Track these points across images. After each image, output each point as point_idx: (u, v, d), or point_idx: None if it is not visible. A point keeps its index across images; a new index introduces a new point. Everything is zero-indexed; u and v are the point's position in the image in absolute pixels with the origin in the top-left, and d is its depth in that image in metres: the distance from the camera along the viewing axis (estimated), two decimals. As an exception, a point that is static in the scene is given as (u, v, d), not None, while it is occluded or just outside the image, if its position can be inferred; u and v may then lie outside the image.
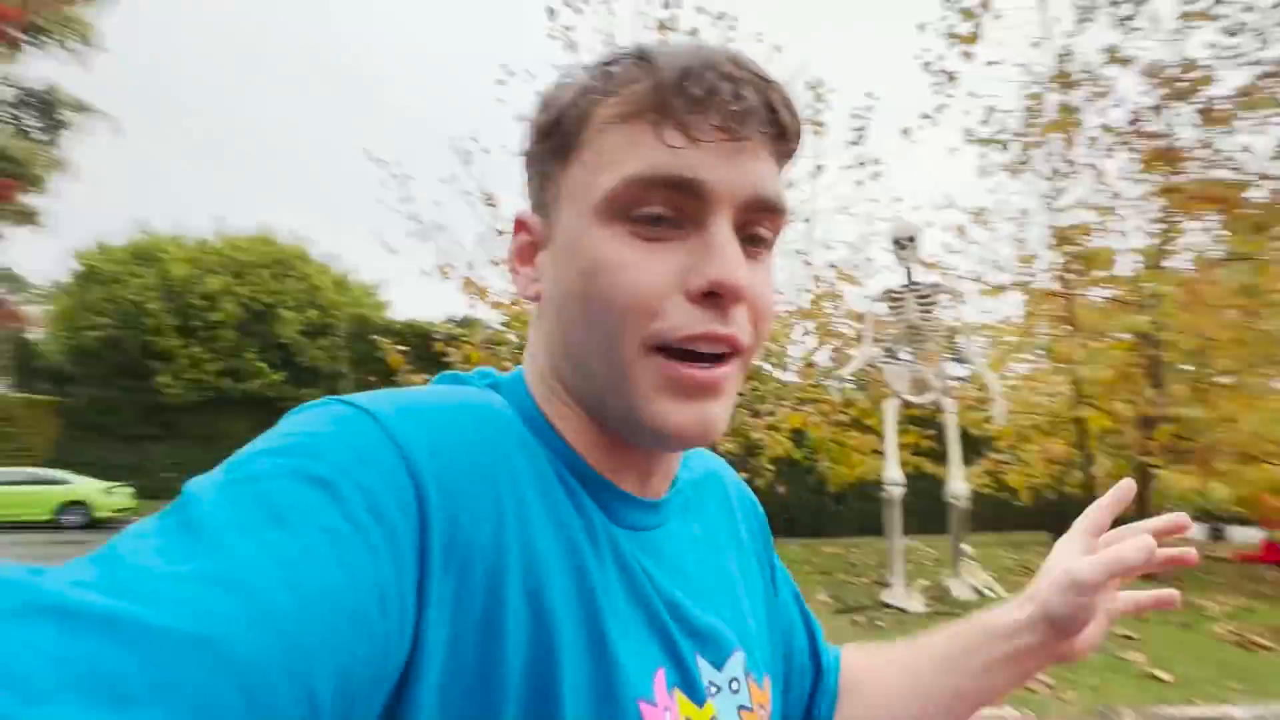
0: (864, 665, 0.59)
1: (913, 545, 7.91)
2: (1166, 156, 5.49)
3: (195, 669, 0.23)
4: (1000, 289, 6.70)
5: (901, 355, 5.40)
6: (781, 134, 0.39)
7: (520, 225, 0.45)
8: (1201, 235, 5.89)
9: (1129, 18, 5.92)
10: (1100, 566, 0.46)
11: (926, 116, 6.84)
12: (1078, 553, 0.50)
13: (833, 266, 7.74)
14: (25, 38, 6.00)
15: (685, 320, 0.37)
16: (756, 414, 6.47)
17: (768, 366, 6.29)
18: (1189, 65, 5.43)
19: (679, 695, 0.41)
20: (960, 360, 5.38)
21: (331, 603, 0.28)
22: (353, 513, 0.30)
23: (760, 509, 0.59)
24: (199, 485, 0.30)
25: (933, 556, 7.54)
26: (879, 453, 5.82)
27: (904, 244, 5.18)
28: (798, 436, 7.20)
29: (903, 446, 6.98)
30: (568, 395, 0.42)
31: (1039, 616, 0.49)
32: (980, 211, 6.99)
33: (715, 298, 0.37)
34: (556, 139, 0.40)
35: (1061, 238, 6.30)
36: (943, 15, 6.27)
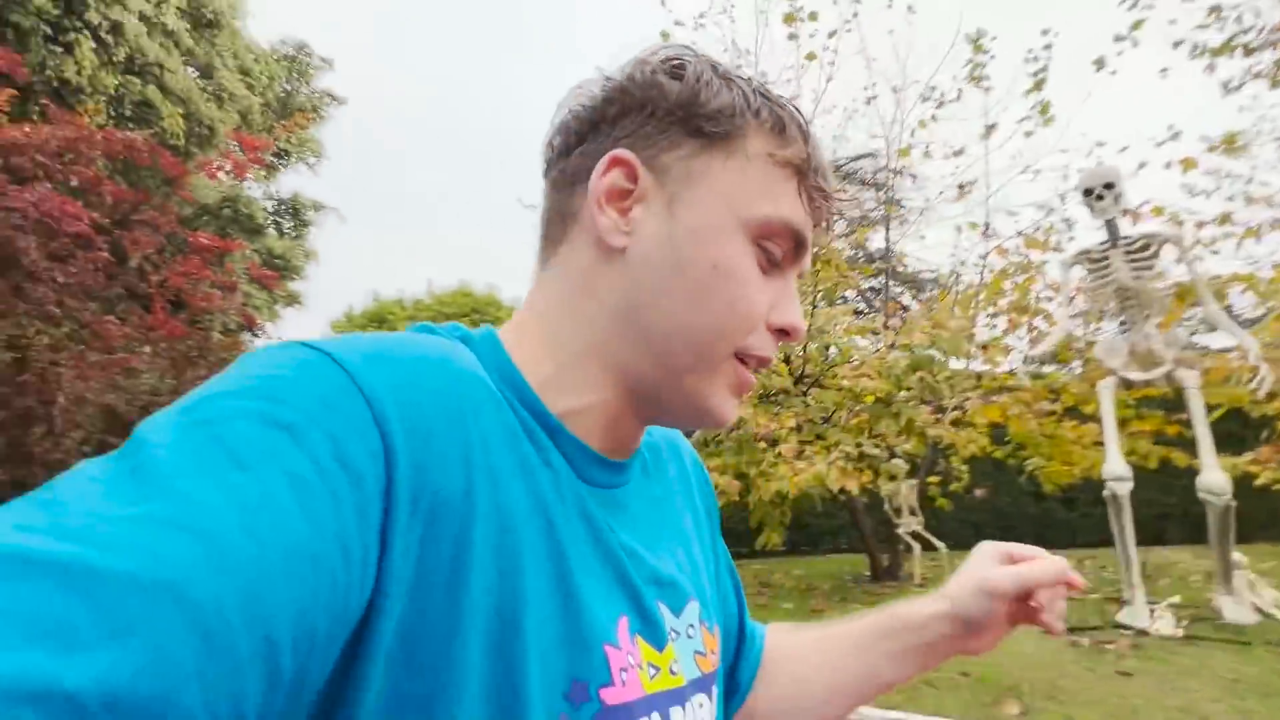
0: (785, 641, 0.62)
1: (1174, 557, 6.43)
2: None
3: (148, 612, 0.22)
4: (1255, 231, 5.25)
5: (1115, 325, 4.49)
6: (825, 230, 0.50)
7: (620, 163, 0.43)
8: None
9: None
10: (1015, 579, 0.53)
11: (1121, 38, 5.74)
12: (993, 564, 0.55)
13: (1020, 234, 6.74)
14: (275, 160, 7.75)
15: (765, 345, 0.45)
16: (939, 410, 5.77)
17: (938, 354, 5.53)
18: None
19: (640, 641, 0.43)
20: (1207, 324, 4.29)
21: (292, 548, 0.27)
22: (317, 458, 0.29)
23: (710, 483, 0.62)
24: (152, 426, 0.29)
25: (1202, 569, 6.06)
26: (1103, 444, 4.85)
27: (1100, 194, 4.33)
28: (997, 432, 6.28)
29: (1139, 434, 5.78)
30: (606, 354, 0.43)
31: (952, 614, 0.55)
32: (1229, 138, 5.60)
33: (784, 335, 0.46)
34: (711, 125, 0.43)
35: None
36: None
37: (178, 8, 6.53)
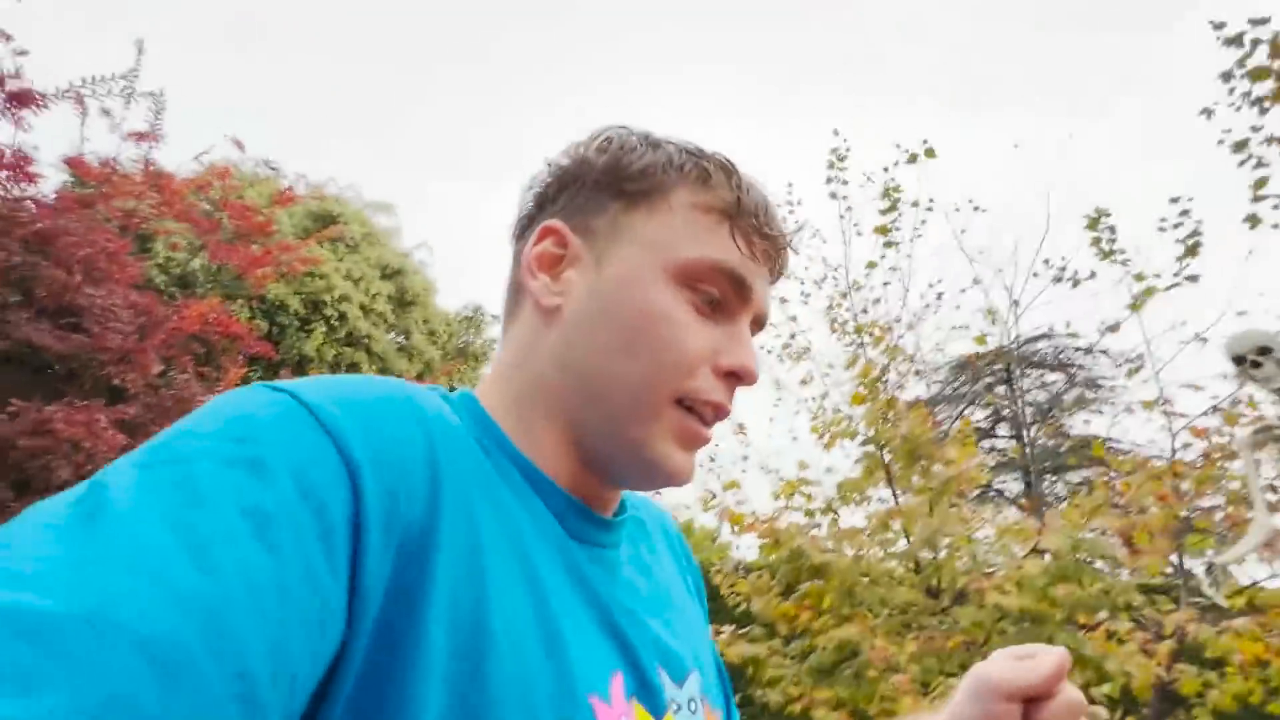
0: None
1: None
2: None
3: (100, 649, 0.22)
4: None
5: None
6: (780, 278, 0.51)
7: (549, 232, 0.47)
8: None
9: None
10: (1014, 675, 0.46)
11: (1261, 197, 5.23)
12: (997, 664, 0.48)
13: (1215, 409, 5.65)
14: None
15: (711, 390, 0.44)
16: (1141, 625, 4.43)
17: (1100, 564, 4.38)
18: None
19: (637, 705, 0.40)
20: None
21: (255, 582, 0.26)
22: (279, 491, 0.29)
23: (695, 560, 0.61)
24: (113, 470, 0.29)
25: None
26: None
27: (1256, 360, 3.65)
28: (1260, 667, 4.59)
29: None
30: (554, 410, 0.44)
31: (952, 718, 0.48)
32: None
33: (734, 379, 0.45)
34: (633, 185, 0.45)
35: None
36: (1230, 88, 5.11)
37: (387, 295, 9.02)
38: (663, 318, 0.43)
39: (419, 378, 8.83)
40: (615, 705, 0.38)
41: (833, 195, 6.30)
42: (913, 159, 5.85)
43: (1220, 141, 5.35)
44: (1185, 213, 5.99)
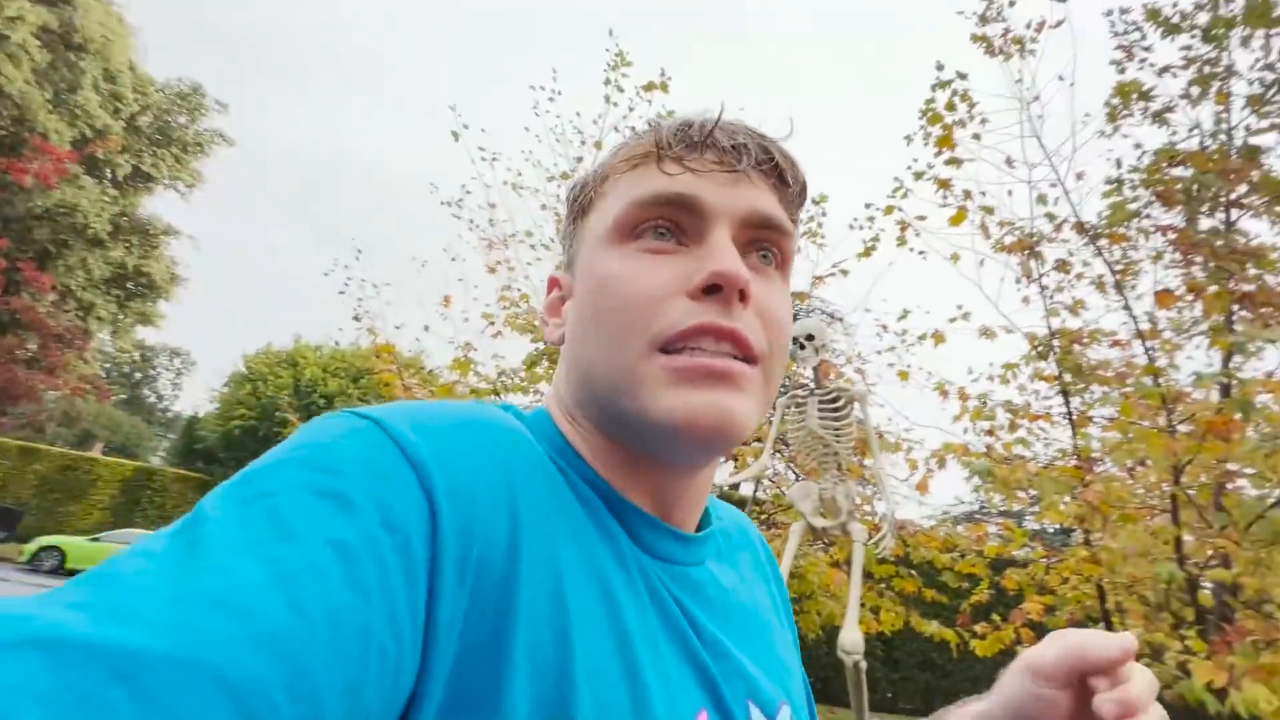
0: None
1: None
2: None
3: (187, 694, 0.21)
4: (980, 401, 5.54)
5: (805, 471, 4.55)
6: (779, 174, 0.42)
7: (552, 283, 0.48)
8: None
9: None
10: (1058, 654, 0.38)
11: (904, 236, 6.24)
12: (1050, 642, 0.41)
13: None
14: (140, 183, 7.72)
15: (686, 314, 0.37)
16: None
17: None
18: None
19: None
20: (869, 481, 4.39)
21: (338, 620, 0.25)
22: (364, 526, 0.28)
23: (783, 578, 0.55)
24: (212, 501, 0.28)
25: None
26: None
27: (802, 344, 4.53)
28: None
29: (884, 592, 5.74)
30: (585, 419, 0.42)
31: (999, 705, 0.42)
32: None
33: (716, 291, 0.38)
34: (579, 202, 0.44)
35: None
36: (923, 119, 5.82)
37: (40, 26, 6.76)
38: (612, 278, 0.40)
39: (79, 145, 6.97)
40: None
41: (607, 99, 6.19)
42: (650, 87, 5.93)
43: (908, 168, 6.21)
44: (871, 219, 6.95)
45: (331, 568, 0.26)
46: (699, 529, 0.45)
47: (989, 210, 4.79)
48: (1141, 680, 0.36)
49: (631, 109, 5.90)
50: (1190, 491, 4.78)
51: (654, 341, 0.38)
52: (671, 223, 0.40)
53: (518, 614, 0.31)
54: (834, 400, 4.42)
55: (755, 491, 6.97)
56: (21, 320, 5.64)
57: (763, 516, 5.89)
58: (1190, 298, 4.72)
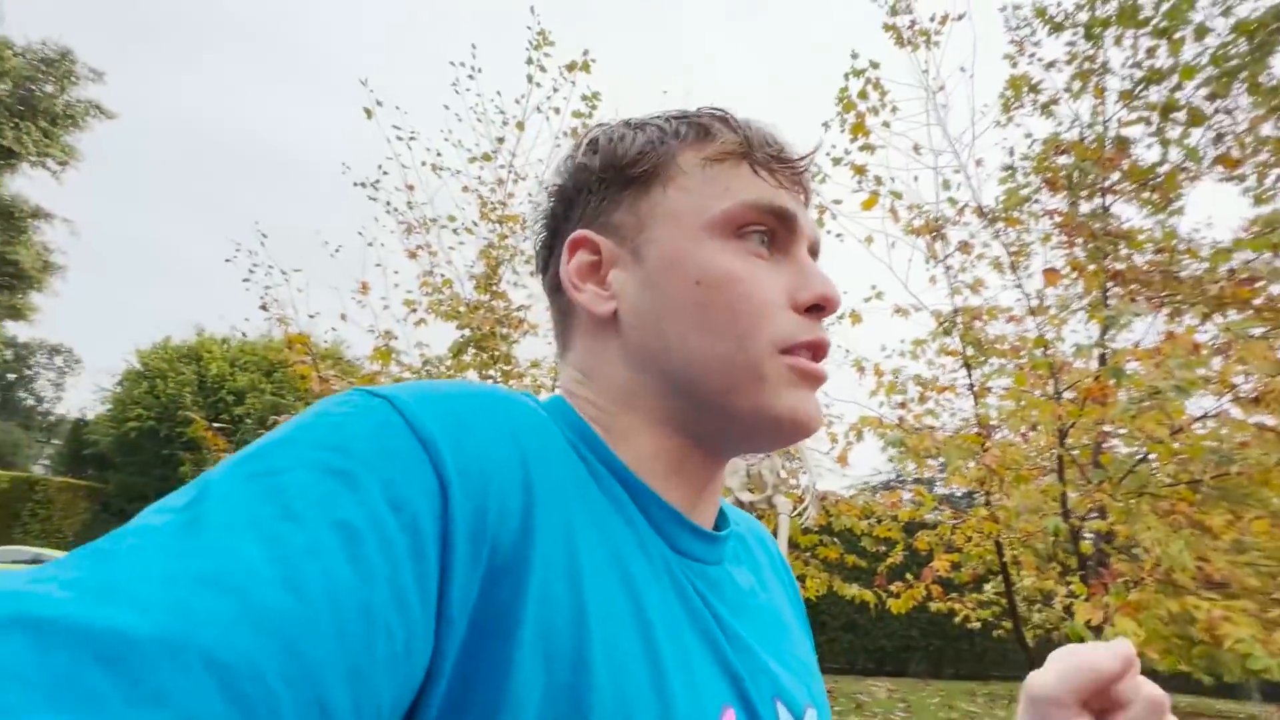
0: None
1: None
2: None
3: (175, 677, 0.20)
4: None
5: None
6: (810, 202, 0.47)
7: (578, 244, 0.44)
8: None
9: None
10: (1062, 676, 0.35)
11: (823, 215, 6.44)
12: (1051, 666, 0.37)
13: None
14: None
15: (801, 328, 0.41)
16: None
17: None
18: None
19: None
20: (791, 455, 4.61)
21: (339, 601, 0.24)
22: (370, 505, 0.27)
23: (796, 582, 0.56)
24: (216, 477, 0.27)
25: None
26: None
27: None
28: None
29: (809, 561, 6.01)
30: (636, 407, 0.41)
31: None
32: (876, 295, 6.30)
33: (819, 311, 0.42)
34: (637, 168, 0.43)
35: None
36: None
37: None
38: (724, 278, 0.40)
39: None
40: None
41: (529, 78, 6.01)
42: (573, 67, 5.84)
43: (826, 154, 6.38)
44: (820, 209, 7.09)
45: (334, 548, 0.25)
46: (716, 529, 0.45)
47: (897, 195, 5.04)
48: (1150, 690, 0.35)
49: (556, 89, 5.79)
50: (1074, 452, 5.29)
51: (779, 343, 0.40)
52: (769, 231, 0.42)
53: (529, 594, 0.30)
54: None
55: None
56: None
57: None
58: (1074, 276, 5.17)
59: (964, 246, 5.88)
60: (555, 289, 0.46)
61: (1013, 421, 4.97)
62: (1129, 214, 5.67)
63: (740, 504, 4.61)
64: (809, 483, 4.33)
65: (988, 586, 6.48)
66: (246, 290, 4.97)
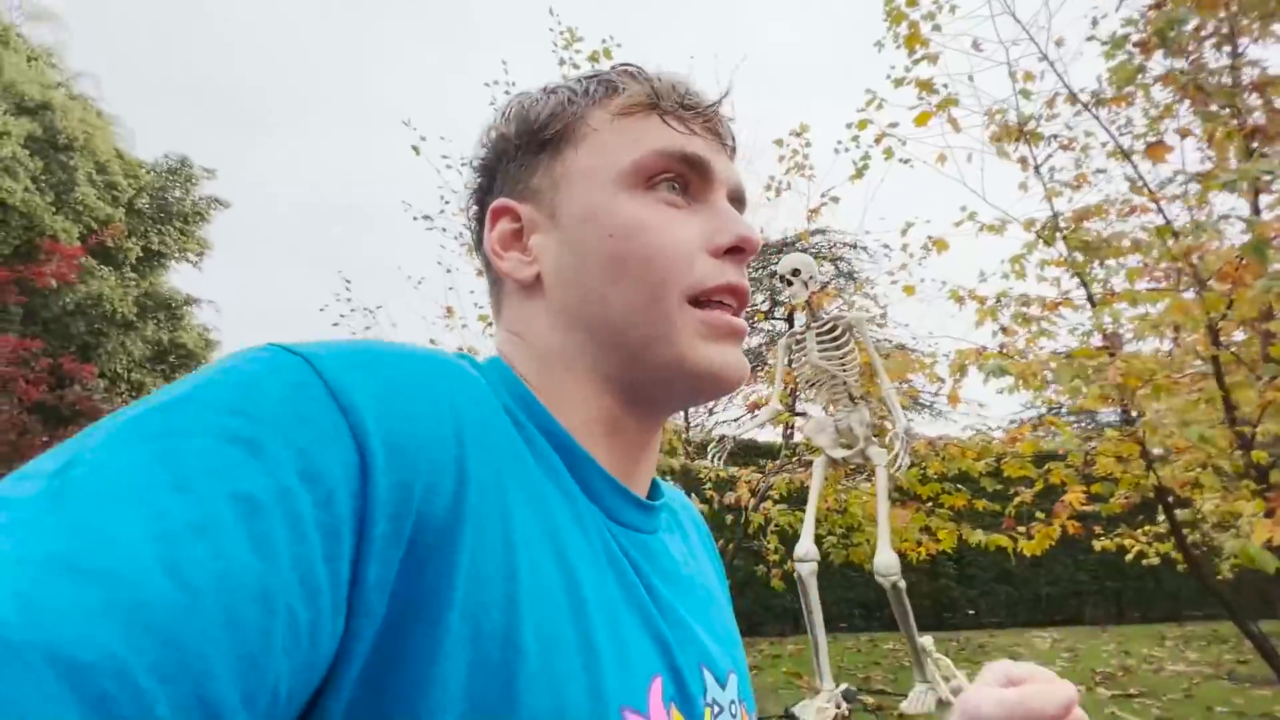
0: None
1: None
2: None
3: (18, 683, 0.18)
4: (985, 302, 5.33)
5: (819, 405, 4.50)
6: (733, 151, 0.46)
7: (500, 212, 0.44)
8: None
9: None
10: (1003, 709, 0.37)
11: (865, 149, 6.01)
12: (986, 688, 0.39)
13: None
14: (150, 261, 8.17)
15: (717, 273, 0.40)
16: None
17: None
18: None
19: (675, 712, 0.36)
20: (883, 403, 4.31)
21: (230, 585, 0.22)
22: (277, 477, 0.25)
23: (719, 552, 0.56)
24: (93, 439, 0.24)
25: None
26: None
27: (789, 279, 4.46)
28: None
29: (933, 511, 5.68)
30: (569, 365, 0.41)
31: None
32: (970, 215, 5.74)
33: (736, 253, 0.41)
34: (549, 130, 0.43)
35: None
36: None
37: (27, 135, 7.18)
38: (635, 228, 0.40)
39: (86, 240, 7.41)
40: (653, 714, 0.34)
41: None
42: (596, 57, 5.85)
43: (886, 77, 5.95)
44: (855, 139, 6.74)
45: (230, 524, 0.23)
46: (650, 498, 0.45)
47: (953, 102, 4.57)
48: None
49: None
50: (1235, 350, 4.52)
51: (686, 294, 0.39)
52: (682, 180, 0.42)
53: (458, 573, 0.29)
54: (831, 331, 4.36)
55: (788, 435, 6.95)
56: (81, 410, 6.10)
57: (797, 460, 5.88)
58: (1205, 144, 4.41)
59: (1068, 144, 5.21)
60: (487, 262, 0.46)
61: (1142, 327, 4.33)
62: (1271, 57, 4.68)
63: (834, 462, 4.43)
64: (899, 426, 4.07)
65: (1163, 516, 5.74)
66: (343, 330, 5.54)
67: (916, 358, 5.68)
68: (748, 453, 7.77)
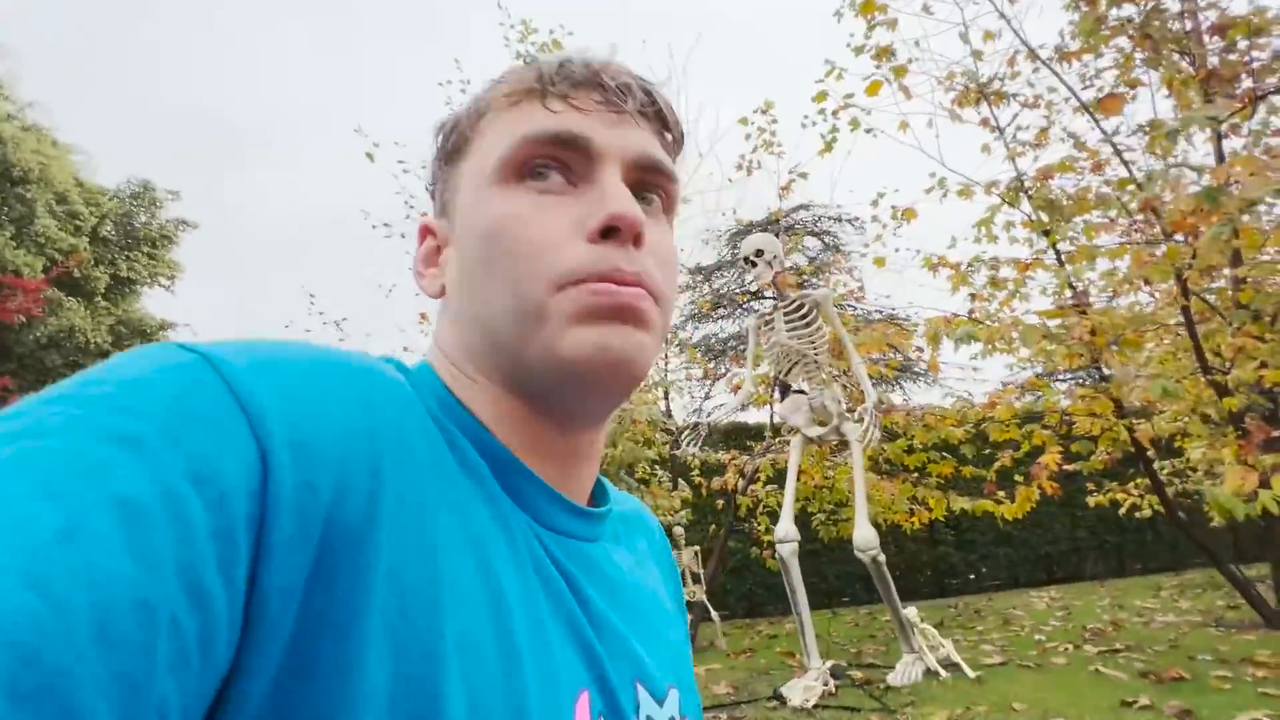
0: None
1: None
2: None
3: None
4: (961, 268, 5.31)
5: (794, 384, 4.49)
6: (661, 119, 0.42)
7: (424, 232, 0.45)
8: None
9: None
10: None
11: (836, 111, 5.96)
12: None
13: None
14: (120, 288, 8.05)
15: (591, 258, 0.36)
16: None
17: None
18: None
19: None
20: (851, 379, 4.31)
21: (104, 596, 0.20)
22: (163, 479, 0.23)
23: (677, 567, 0.55)
24: None
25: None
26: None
27: (753, 260, 4.44)
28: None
29: (922, 480, 5.71)
30: (479, 372, 0.39)
31: None
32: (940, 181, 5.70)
33: (614, 233, 0.37)
34: (452, 141, 0.42)
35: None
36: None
37: None
38: (500, 224, 0.37)
39: (49, 271, 7.35)
40: None
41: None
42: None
43: (846, 45, 5.89)
44: (821, 112, 6.69)
45: (104, 530, 0.21)
46: (594, 505, 0.43)
47: (903, 72, 4.53)
48: None
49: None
50: (1210, 298, 4.52)
51: (554, 283, 0.36)
52: (561, 163, 0.38)
53: (375, 581, 0.27)
54: (799, 309, 4.34)
55: (772, 419, 6.95)
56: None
57: (780, 441, 5.89)
58: (1166, 92, 4.37)
59: (1032, 101, 5.17)
60: None
61: (1110, 283, 4.33)
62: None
63: (810, 440, 4.44)
64: (869, 404, 4.08)
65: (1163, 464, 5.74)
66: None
67: (900, 328, 5.66)
68: (738, 435, 7.78)
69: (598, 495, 0.45)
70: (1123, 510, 6.34)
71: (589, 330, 0.36)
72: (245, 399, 0.26)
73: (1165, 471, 6.33)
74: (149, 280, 9.55)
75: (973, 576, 8.71)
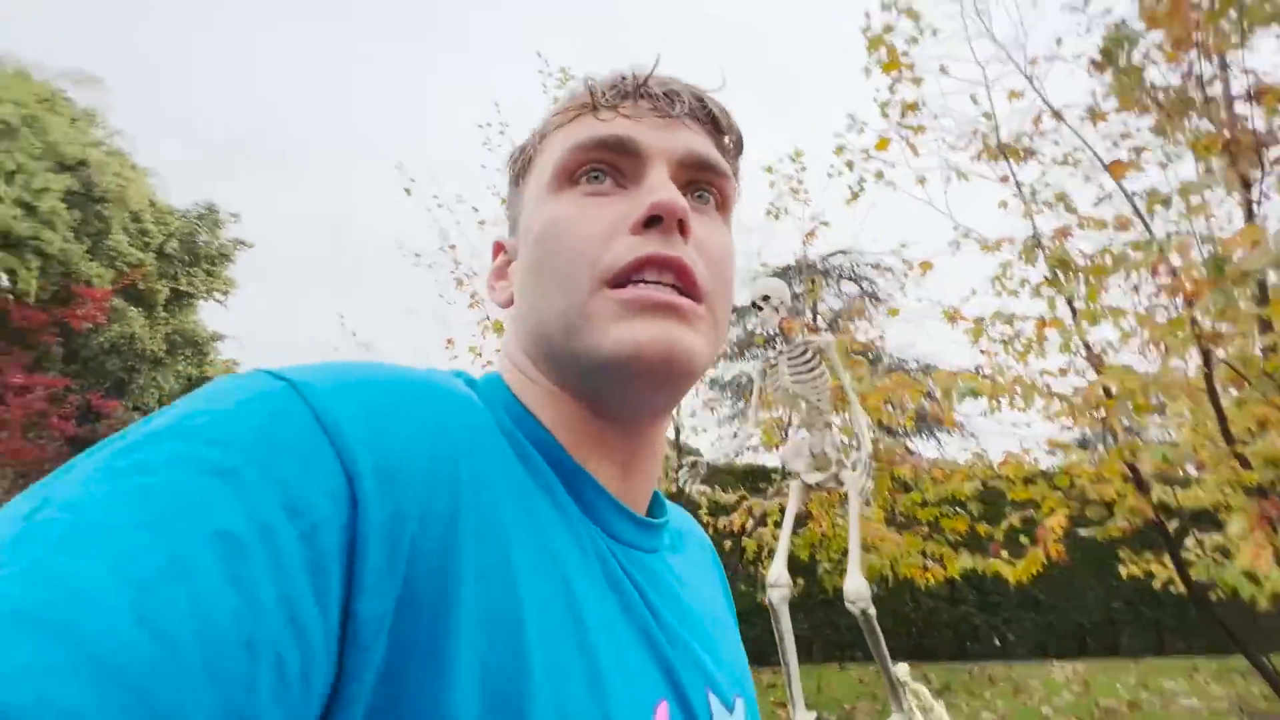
0: None
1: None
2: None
3: None
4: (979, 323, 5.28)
5: (797, 428, 4.53)
6: (713, 121, 0.43)
7: (497, 249, 0.48)
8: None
9: None
10: None
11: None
12: None
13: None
14: (178, 301, 8.76)
15: (631, 248, 0.37)
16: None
17: None
18: None
19: None
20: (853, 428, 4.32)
21: (212, 632, 0.21)
22: (258, 511, 0.24)
23: (727, 579, 0.55)
24: (67, 477, 0.23)
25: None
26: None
27: (759, 305, 4.56)
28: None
29: (930, 535, 5.61)
30: (541, 375, 0.40)
31: None
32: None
33: (657, 222, 0.38)
34: (519, 164, 0.45)
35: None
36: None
37: (65, 190, 7.93)
38: (551, 227, 0.39)
39: (116, 282, 8.09)
40: None
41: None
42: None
43: (873, 99, 6.06)
44: (850, 164, 6.84)
45: (209, 565, 0.22)
46: (652, 517, 0.44)
47: (920, 130, 4.64)
48: None
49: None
50: (1233, 364, 4.39)
51: (601, 278, 0.37)
52: (609, 166, 0.40)
53: (460, 605, 0.28)
54: (802, 355, 4.41)
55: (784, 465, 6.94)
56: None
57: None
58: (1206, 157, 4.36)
59: (1062, 159, 5.20)
60: None
61: (1125, 340, 4.26)
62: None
63: (808, 486, 4.45)
64: (863, 454, 4.09)
65: (1189, 539, 5.48)
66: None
67: (909, 379, 5.64)
68: (752, 477, 7.76)
69: (654, 507, 0.45)
70: (1157, 583, 6.04)
71: (632, 324, 0.37)
72: (331, 427, 0.27)
73: (1208, 545, 6.01)
74: (205, 294, 10.33)
75: (998, 643, 8.34)
